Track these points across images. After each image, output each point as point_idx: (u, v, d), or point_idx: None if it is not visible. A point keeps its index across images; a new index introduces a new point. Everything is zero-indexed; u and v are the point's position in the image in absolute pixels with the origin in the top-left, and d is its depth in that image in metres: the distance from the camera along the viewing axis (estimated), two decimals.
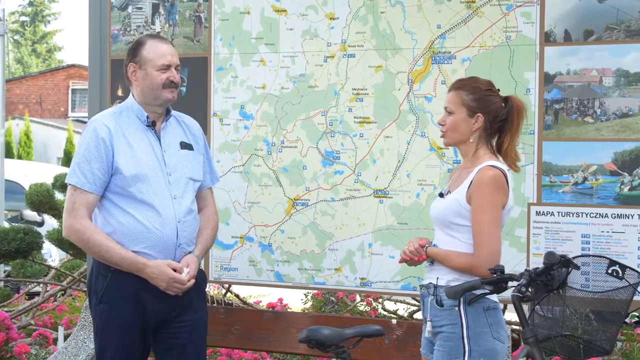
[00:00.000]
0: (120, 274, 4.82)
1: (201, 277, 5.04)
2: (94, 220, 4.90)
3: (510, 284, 4.30)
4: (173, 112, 5.10)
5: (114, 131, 4.87)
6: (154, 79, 4.91)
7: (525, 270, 4.35)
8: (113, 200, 4.86)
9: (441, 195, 4.56)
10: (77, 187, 4.84)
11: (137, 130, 4.93)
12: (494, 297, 4.38)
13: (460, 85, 4.52)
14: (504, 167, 4.41)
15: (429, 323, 4.46)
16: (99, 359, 4.93)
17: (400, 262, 4.64)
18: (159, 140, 4.96)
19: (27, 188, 9.92)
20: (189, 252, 4.95)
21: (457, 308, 4.34)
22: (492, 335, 4.33)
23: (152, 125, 4.96)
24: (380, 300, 9.24)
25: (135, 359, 4.89)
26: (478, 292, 4.28)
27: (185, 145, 5.05)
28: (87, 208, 4.83)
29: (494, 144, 4.50)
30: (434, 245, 4.53)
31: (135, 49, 4.99)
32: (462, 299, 4.31)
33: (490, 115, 4.43)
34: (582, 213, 5.31)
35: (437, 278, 4.44)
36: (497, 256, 4.33)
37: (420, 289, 4.58)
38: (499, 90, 4.52)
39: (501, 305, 4.55)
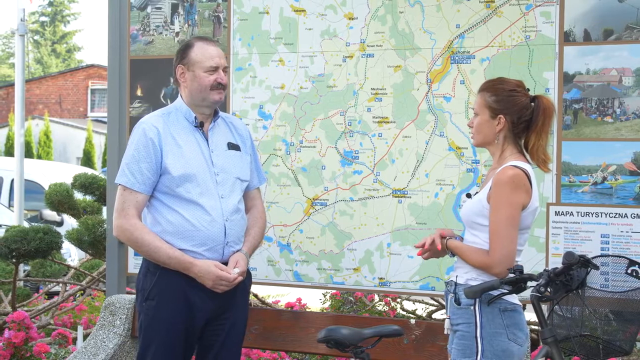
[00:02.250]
0: (168, 272, 4.89)
1: (247, 276, 5.10)
2: (143, 219, 4.98)
3: (529, 284, 4.29)
4: (221, 113, 5.17)
5: (163, 132, 4.95)
6: (201, 81, 4.97)
7: (544, 270, 4.35)
8: (162, 199, 4.94)
9: (469, 195, 4.58)
10: (126, 187, 4.93)
11: (185, 131, 5.00)
12: (514, 299, 4.37)
13: (485, 87, 4.53)
14: (527, 166, 4.39)
15: (447, 320, 4.48)
16: (141, 355, 5.00)
17: (417, 246, 4.64)
18: (207, 141, 5.02)
19: (46, 188, 9.95)
20: (237, 250, 5.00)
21: (472, 307, 4.34)
22: (507, 336, 4.31)
23: (200, 126, 5.02)
24: (398, 300, 9.23)
25: (177, 357, 4.95)
26: (496, 292, 4.27)
27: (233, 146, 5.11)
28: (136, 208, 4.91)
29: (523, 144, 4.51)
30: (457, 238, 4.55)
31: (184, 50, 5.06)
32: (477, 298, 4.31)
33: (514, 116, 4.42)
34: (601, 213, 5.30)
35: (457, 276, 4.46)
36: (510, 257, 4.31)
37: (445, 285, 4.59)
38: (528, 90, 4.50)
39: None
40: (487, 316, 4.32)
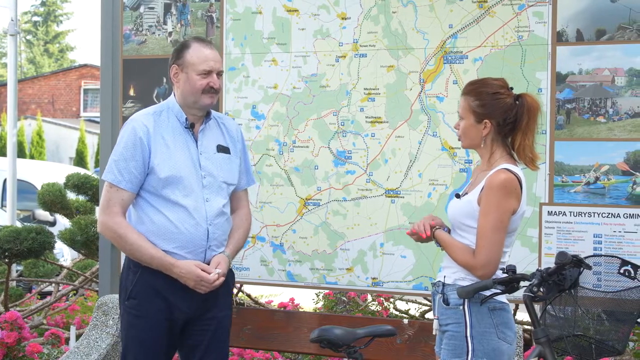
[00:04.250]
0: (149, 271, 4.88)
1: (229, 276, 5.09)
2: (128, 217, 4.97)
3: (522, 283, 4.29)
4: (214, 114, 5.14)
5: (152, 131, 4.93)
6: (194, 84, 4.94)
7: (537, 270, 4.35)
8: (147, 199, 4.92)
9: (457, 195, 4.56)
10: (112, 185, 4.91)
11: (175, 132, 4.98)
12: (503, 298, 4.36)
13: (467, 91, 4.49)
14: (519, 170, 4.38)
15: (435, 321, 4.47)
16: (124, 354, 4.99)
17: (408, 233, 4.64)
18: (196, 143, 5.00)
19: (39, 188, 9.93)
20: (220, 253, 4.99)
21: (462, 307, 4.34)
22: (497, 335, 4.31)
23: (190, 127, 5.00)
24: (391, 300, 9.23)
25: (159, 356, 4.95)
26: (488, 292, 4.27)
27: (222, 149, 5.08)
28: (121, 205, 4.90)
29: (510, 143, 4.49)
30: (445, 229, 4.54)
31: (180, 50, 5.03)
32: (466, 298, 4.31)
33: (499, 119, 4.39)
34: (594, 213, 5.31)
35: (445, 276, 4.45)
36: (495, 262, 4.30)
37: (432, 286, 4.58)
38: (512, 88, 4.49)
39: (512, 306, 4.54)
40: (477, 316, 4.32)
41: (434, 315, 4.52)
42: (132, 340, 4.94)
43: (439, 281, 4.49)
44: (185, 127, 4.99)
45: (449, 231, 4.54)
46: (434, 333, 4.52)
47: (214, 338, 5.01)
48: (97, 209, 5.17)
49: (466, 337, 4.32)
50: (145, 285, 4.90)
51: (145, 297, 4.90)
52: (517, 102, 4.40)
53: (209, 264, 4.92)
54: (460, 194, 4.55)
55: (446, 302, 4.40)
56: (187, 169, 4.92)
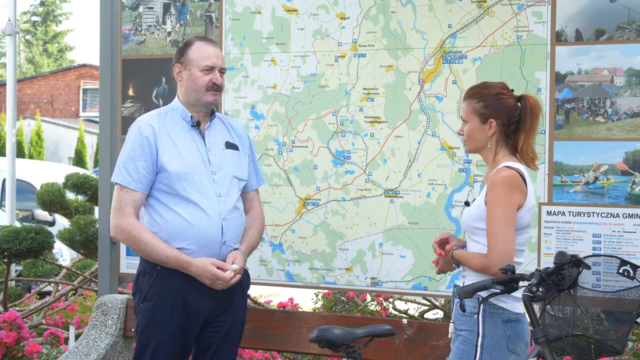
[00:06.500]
0: (165, 274, 4.89)
1: (245, 277, 5.11)
2: (141, 218, 4.97)
3: (521, 283, 4.30)
4: (218, 114, 5.16)
5: (158, 130, 4.94)
6: (196, 80, 4.97)
7: (536, 270, 4.34)
8: (159, 198, 4.93)
9: (467, 204, 4.59)
10: (123, 186, 4.92)
11: (181, 130, 5.00)
12: (518, 309, 4.37)
13: (470, 94, 4.54)
14: (521, 166, 4.41)
15: (451, 325, 4.50)
16: (138, 356, 4.99)
17: (434, 261, 4.71)
18: (204, 140, 5.00)
19: (38, 188, 9.92)
20: (235, 249, 4.99)
21: (476, 316, 4.35)
22: (507, 347, 4.34)
23: (196, 125, 5.00)
24: (391, 300, 9.23)
25: (174, 358, 4.95)
26: (485, 293, 4.27)
27: (231, 145, 5.10)
28: (133, 207, 4.91)
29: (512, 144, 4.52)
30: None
31: (183, 49, 5.07)
32: (481, 308, 4.32)
33: (504, 119, 4.44)
34: (593, 213, 5.30)
35: (464, 282, 4.46)
36: (508, 257, 4.32)
37: (454, 287, 4.60)
38: (512, 90, 4.52)
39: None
40: (490, 326, 4.33)
41: (452, 319, 4.54)
42: (148, 343, 4.94)
43: (458, 286, 4.50)
44: (192, 126, 5.00)
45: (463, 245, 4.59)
46: (449, 336, 4.54)
47: (225, 339, 5.03)
48: (96, 209, 5.16)
49: (476, 345, 4.34)
50: (160, 287, 4.91)
51: (161, 299, 4.91)
52: (519, 103, 4.45)
53: (224, 261, 4.92)
54: (470, 200, 4.59)
55: (462, 308, 4.42)
56: (196, 166, 4.93)
